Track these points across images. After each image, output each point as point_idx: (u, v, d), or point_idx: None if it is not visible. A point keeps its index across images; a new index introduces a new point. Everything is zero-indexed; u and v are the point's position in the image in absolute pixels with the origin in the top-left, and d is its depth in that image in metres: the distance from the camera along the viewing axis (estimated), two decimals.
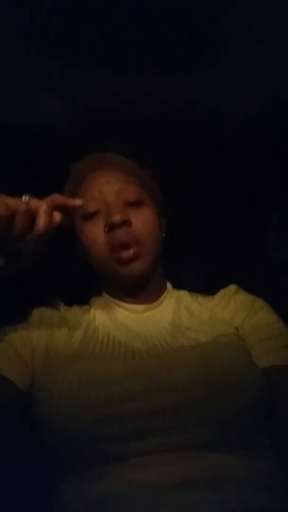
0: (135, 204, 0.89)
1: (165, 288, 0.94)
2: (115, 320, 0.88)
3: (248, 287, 0.95)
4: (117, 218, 0.85)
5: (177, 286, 0.97)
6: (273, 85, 1.10)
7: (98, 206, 0.88)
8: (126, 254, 0.86)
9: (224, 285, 0.96)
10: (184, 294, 0.94)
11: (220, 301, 0.92)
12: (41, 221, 0.72)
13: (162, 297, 0.92)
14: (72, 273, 1.05)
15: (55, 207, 0.74)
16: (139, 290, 0.91)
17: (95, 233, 0.87)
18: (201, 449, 0.71)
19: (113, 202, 0.88)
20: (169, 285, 0.95)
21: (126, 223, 0.86)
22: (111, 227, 0.86)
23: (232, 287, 0.94)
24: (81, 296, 0.96)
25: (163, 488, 0.68)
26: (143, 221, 0.88)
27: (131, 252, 0.86)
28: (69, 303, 0.94)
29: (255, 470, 0.72)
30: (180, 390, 0.72)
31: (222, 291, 0.94)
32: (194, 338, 0.83)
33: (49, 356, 0.82)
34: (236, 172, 1.17)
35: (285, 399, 0.79)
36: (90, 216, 0.89)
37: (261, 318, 0.87)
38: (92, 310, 0.91)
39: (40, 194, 1.12)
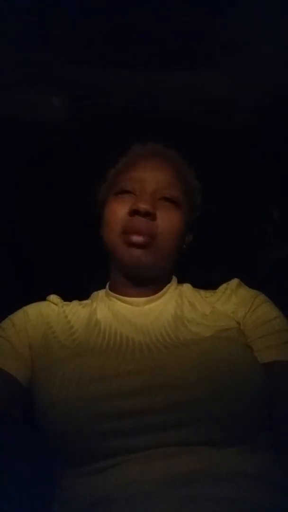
0: (170, 203, 0.89)
1: (168, 282, 0.93)
2: (117, 313, 0.87)
3: (248, 283, 0.95)
4: (142, 206, 0.86)
5: (178, 282, 0.95)
6: (273, 84, 1.10)
7: (133, 187, 0.89)
8: (136, 239, 0.85)
9: (225, 281, 0.96)
10: (187, 288, 0.94)
11: (222, 296, 0.91)
12: None
13: (165, 289, 0.91)
14: (71, 270, 1.06)
15: None
16: (142, 282, 0.90)
17: (119, 210, 0.88)
18: (200, 445, 0.71)
19: (148, 191, 0.88)
20: (174, 279, 0.95)
21: (149, 214, 0.86)
22: (134, 212, 0.86)
23: (234, 282, 0.93)
24: (81, 293, 0.96)
25: (163, 483, 0.68)
26: (168, 221, 0.88)
27: (140, 238, 0.85)
28: (69, 300, 0.94)
29: (255, 466, 0.72)
30: (181, 388, 0.72)
31: (224, 285, 0.93)
32: (196, 331, 0.82)
33: (49, 351, 0.82)
34: (237, 169, 1.17)
35: (285, 395, 0.79)
36: (122, 193, 0.89)
37: (263, 313, 0.86)
38: (94, 304, 0.91)
39: (39, 191, 1.14)
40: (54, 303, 0.92)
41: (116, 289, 0.92)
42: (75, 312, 0.90)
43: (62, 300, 0.93)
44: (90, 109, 1.14)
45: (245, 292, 0.91)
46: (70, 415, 0.72)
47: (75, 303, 0.93)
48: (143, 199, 0.87)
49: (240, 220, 1.18)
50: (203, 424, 0.71)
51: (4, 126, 1.09)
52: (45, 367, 0.80)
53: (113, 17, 1.03)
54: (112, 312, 0.88)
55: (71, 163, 1.13)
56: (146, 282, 0.90)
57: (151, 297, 0.90)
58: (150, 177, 0.89)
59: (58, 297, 0.94)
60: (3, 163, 1.05)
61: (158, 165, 0.91)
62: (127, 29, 1.05)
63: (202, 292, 0.93)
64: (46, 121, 1.15)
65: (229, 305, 0.89)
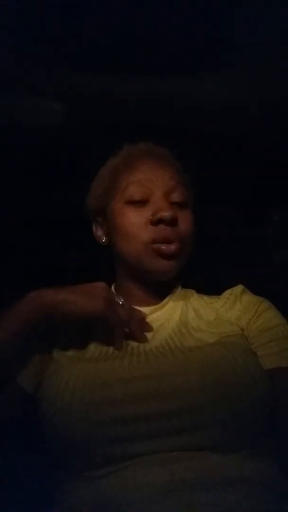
0: (180, 205, 0.89)
1: (174, 288, 0.92)
2: None
3: (248, 286, 0.94)
4: (168, 214, 0.84)
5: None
6: (273, 84, 1.11)
7: (147, 196, 0.87)
8: (168, 248, 0.85)
9: (225, 284, 0.95)
10: (191, 294, 0.93)
11: (226, 302, 0.90)
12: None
13: (169, 297, 0.90)
14: (71, 272, 1.06)
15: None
16: (154, 290, 0.89)
17: (139, 221, 0.86)
18: (204, 450, 0.71)
19: (164, 197, 0.87)
20: (179, 285, 0.93)
21: (174, 221, 0.86)
22: (158, 221, 0.85)
23: (239, 288, 0.92)
24: None
25: (165, 488, 0.67)
26: (186, 223, 0.88)
27: (172, 247, 0.85)
28: None
29: (257, 471, 0.72)
30: (184, 394, 0.72)
31: (228, 291, 0.93)
32: (200, 338, 0.82)
33: (55, 357, 0.82)
34: (236, 171, 1.17)
35: (287, 401, 0.79)
36: (136, 203, 0.87)
37: (266, 320, 0.86)
38: None
39: (40, 191, 1.14)
40: None
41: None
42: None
43: None
44: (90, 113, 1.15)
45: (249, 299, 0.90)
46: (74, 420, 0.72)
47: None
48: (163, 206, 0.86)
49: (240, 222, 1.18)
50: (206, 430, 0.71)
51: (4, 129, 1.10)
52: (50, 372, 0.80)
53: (113, 22, 1.03)
54: None
55: (72, 166, 1.13)
56: (157, 289, 0.89)
57: (157, 305, 0.89)
58: (156, 179, 0.88)
59: None
60: (4, 165, 1.05)
61: (158, 165, 0.90)
62: (126, 33, 1.05)
63: (206, 298, 0.93)
64: (46, 125, 1.15)
65: (233, 311, 0.88)
